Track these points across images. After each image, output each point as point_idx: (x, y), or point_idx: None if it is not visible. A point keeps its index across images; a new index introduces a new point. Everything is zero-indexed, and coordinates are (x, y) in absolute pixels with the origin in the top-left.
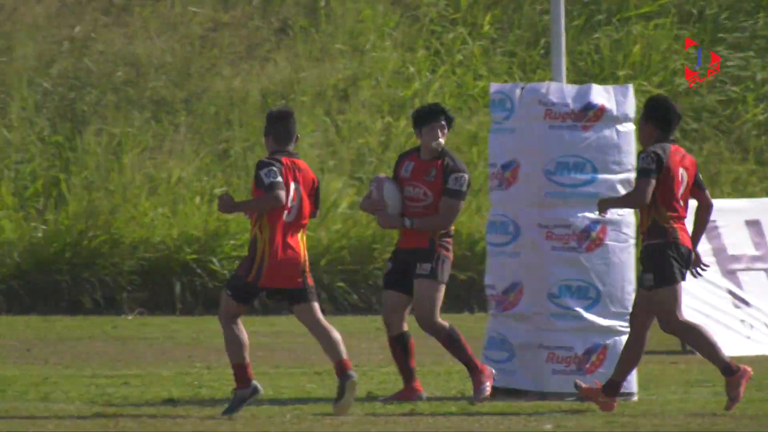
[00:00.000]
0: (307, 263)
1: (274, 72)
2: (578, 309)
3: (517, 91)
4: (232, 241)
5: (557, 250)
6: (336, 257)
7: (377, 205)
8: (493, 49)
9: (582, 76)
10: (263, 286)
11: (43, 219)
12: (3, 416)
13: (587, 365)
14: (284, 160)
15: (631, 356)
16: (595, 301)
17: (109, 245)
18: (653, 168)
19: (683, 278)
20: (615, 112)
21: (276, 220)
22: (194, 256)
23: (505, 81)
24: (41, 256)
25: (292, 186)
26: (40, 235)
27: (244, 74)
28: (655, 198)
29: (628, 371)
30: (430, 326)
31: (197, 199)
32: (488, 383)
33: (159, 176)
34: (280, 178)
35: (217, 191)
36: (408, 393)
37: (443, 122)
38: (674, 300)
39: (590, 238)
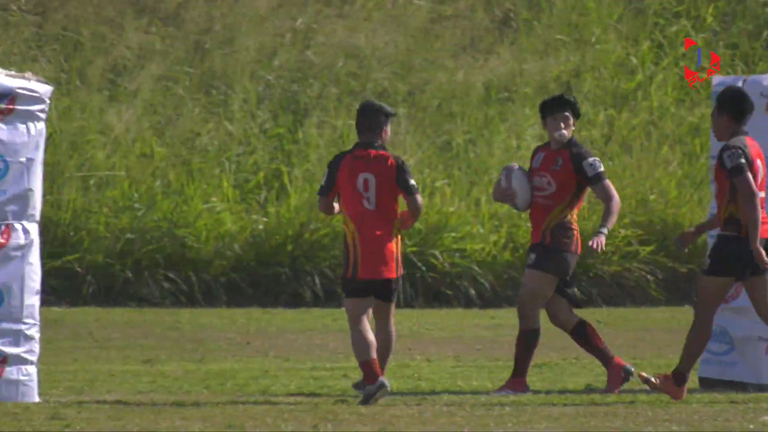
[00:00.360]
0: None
1: (496, 64)
2: None
3: (740, 84)
4: (453, 234)
5: None
6: None
7: (506, 194)
8: (716, 41)
9: None
10: (361, 279)
11: (265, 211)
12: (221, 407)
13: None
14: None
15: (696, 343)
16: None
17: (330, 238)
18: (743, 162)
19: (742, 276)
20: None
21: (353, 211)
22: (415, 249)
23: (728, 73)
24: (262, 249)
25: (363, 176)
26: (261, 227)
27: (466, 67)
28: (734, 191)
29: (694, 360)
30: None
31: None
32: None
33: None
34: None
35: (438, 184)
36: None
37: (566, 113)
38: (715, 292)
39: None
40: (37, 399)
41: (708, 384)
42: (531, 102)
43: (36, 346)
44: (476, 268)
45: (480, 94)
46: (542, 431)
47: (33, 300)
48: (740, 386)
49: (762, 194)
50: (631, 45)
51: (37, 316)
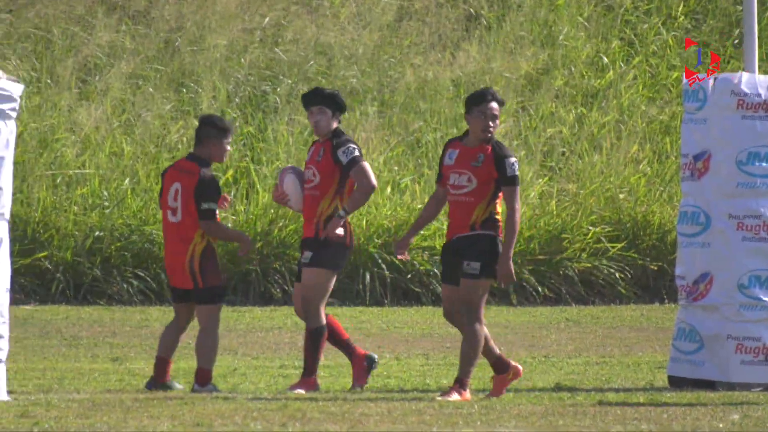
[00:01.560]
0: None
1: (465, 61)
2: (767, 299)
3: (710, 82)
4: (421, 232)
5: (748, 240)
6: (525, 248)
7: (281, 198)
8: (686, 39)
9: None
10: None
11: (234, 209)
12: (189, 405)
13: None
14: None
15: None
16: None
17: (298, 236)
18: None
19: None
20: None
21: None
22: (379, 248)
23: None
24: (232, 247)
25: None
26: (230, 225)
27: (434, 64)
28: None
29: None
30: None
31: (387, 190)
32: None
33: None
34: None
35: (407, 181)
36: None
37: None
38: None
39: None
40: (5, 397)
41: (677, 383)
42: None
43: (5, 344)
44: None
45: (448, 92)
46: (511, 430)
47: (2, 298)
48: (709, 385)
49: None
50: (601, 42)
51: (6, 314)
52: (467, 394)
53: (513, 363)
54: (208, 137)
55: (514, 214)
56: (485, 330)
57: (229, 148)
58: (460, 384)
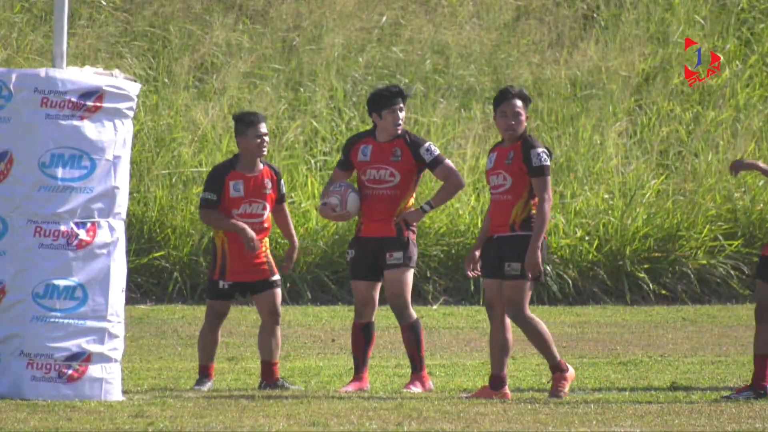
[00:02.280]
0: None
1: (581, 60)
2: None
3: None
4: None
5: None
6: (640, 246)
7: (341, 216)
8: None
9: None
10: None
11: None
12: (305, 405)
13: None
14: None
15: None
16: None
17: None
18: None
19: None
20: None
21: None
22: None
23: None
24: (346, 245)
25: None
26: (343, 223)
27: (551, 63)
28: None
29: None
30: (403, 311)
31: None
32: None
33: (464, 165)
34: None
35: None
36: (358, 382)
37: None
38: None
39: None
40: (120, 397)
41: None
42: (616, 98)
43: (120, 344)
44: (561, 264)
45: (565, 90)
46: (627, 429)
47: (118, 297)
48: None
49: None
50: (717, 41)
51: (122, 314)
52: (569, 374)
53: (506, 389)
54: (237, 134)
55: (543, 204)
56: (534, 324)
57: (259, 140)
58: (557, 369)
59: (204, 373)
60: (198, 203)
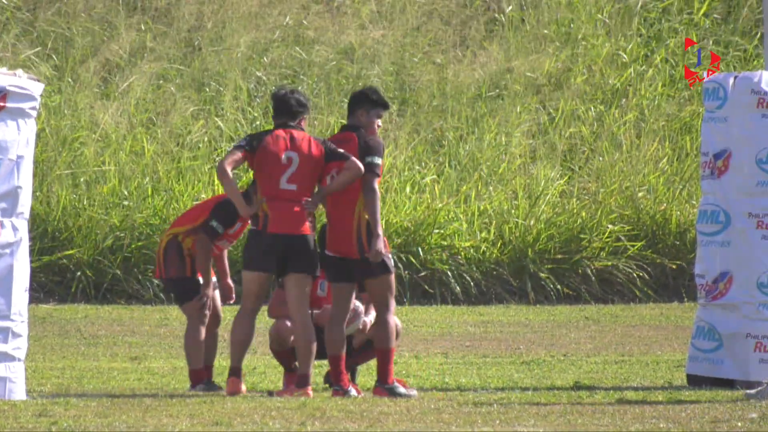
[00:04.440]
0: None
1: (486, 61)
2: None
3: (730, 81)
4: (440, 231)
5: (767, 239)
6: (544, 247)
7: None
8: (708, 38)
9: None
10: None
11: None
12: (208, 404)
13: None
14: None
15: None
16: None
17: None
18: None
19: None
20: None
21: None
22: (401, 246)
23: (721, 70)
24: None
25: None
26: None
27: (456, 64)
28: None
29: None
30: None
31: (407, 189)
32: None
33: None
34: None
35: (428, 180)
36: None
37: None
38: None
39: None
40: (24, 396)
41: (696, 381)
42: (520, 99)
43: (24, 343)
44: (464, 265)
45: (470, 91)
46: (530, 429)
47: (21, 297)
48: (728, 383)
49: None
50: (620, 41)
51: (26, 313)
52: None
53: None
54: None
55: None
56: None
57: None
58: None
59: (207, 375)
60: (206, 229)
